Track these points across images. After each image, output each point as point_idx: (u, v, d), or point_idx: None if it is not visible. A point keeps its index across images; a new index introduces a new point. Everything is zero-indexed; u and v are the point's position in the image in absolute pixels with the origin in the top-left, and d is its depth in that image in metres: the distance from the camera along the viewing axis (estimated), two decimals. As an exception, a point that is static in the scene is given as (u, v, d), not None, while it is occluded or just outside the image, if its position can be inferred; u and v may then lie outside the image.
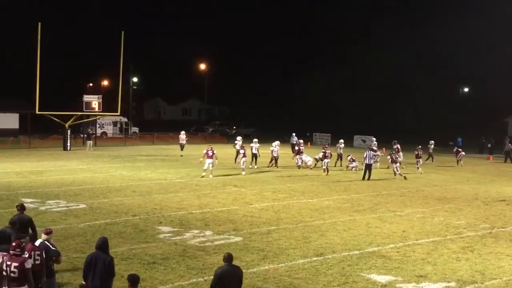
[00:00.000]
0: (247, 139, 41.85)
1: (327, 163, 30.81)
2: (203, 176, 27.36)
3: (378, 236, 16.26)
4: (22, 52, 68.04)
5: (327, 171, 30.40)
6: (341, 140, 36.07)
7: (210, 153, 27.63)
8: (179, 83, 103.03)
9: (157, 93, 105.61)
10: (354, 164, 32.62)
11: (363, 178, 28.35)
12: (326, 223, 17.86)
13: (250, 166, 31.76)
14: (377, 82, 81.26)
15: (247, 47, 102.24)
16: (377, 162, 32.33)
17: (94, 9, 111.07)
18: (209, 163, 27.52)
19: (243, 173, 29.32)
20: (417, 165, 33.19)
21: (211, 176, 27.59)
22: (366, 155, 28.95)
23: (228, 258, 9.16)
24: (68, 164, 32.57)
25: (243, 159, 29.90)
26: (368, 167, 28.71)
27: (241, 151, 30.67)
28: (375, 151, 31.38)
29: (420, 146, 34.43)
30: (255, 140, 33.29)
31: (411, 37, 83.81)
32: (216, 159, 28.33)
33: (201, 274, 12.33)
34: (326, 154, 31.04)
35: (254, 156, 32.43)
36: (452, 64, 77.71)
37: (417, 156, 33.46)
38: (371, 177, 28.54)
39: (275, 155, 32.97)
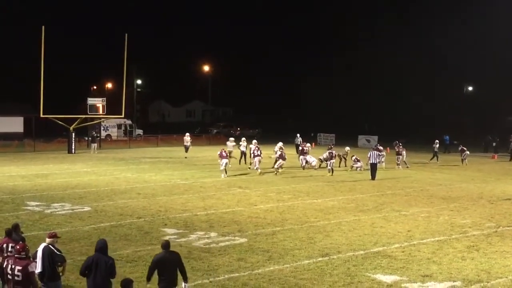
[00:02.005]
0: (252, 140, 41.83)
1: (332, 163, 30.83)
2: (226, 176, 28.22)
3: (383, 236, 16.24)
4: (26, 56, 68.20)
5: (332, 172, 30.39)
6: (347, 148, 35.87)
7: (224, 154, 28.59)
8: (183, 85, 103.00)
9: (161, 96, 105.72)
10: (358, 164, 32.61)
11: (372, 178, 28.41)
12: (331, 223, 17.85)
13: (249, 167, 31.84)
14: (380, 82, 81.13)
15: (250, 48, 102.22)
16: (382, 162, 32.39)
17: (97, 12, 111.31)
18: (225, 163, 28.40)
19: (259, 171, 29.83)
20: (397, 161, 34.38)
21: (226, 175, 28.29)
22: (370, 155, 29.02)
23: (165, 245, 9.84)
24: (73, 167, 32.65)
25: (256, 159, 30.16)
26: (373, 166, 28.74)
27: (252, 151, 31.12)
28: (380, 150, 31.49)
29: (400, 144, 35.06)
30: (255, 141, 33.21)
31: (413, 37, 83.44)
32: (231, 157, 28.92)
33: (207, 276, 12.33)
34: (332, 155, 31.09)
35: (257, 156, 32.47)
36: (456, 63, 77.47)
37: (398, 153, 34.45)
38: (376, 177, 28.53)
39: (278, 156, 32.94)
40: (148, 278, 9.76)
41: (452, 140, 48.04)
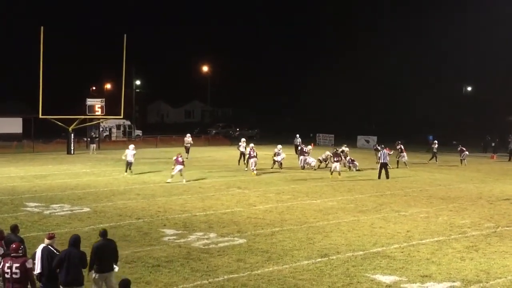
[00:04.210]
0: (251, 140, 41.90)
1: (338, 165, 30.95)
2: (168, 182, 26.45)
3: (382, 236, 16.24)
4: (26, 56, 68.15)
5: (333, 172, 30.39)
6: (346, 148, 35.91)
7: (180, 159, 26.74)
8: (182, 86, 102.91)
9: (160, 96, 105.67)
10: (354, 163, 32.80)
11: (387, 177, 28.88)
12: (330, 224, 17.86)
13: (246, 169, 31.77)
14: (380, 82, 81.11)
15: (249, 48, 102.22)
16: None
17: (96, 12, 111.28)
18: (179, 169, 26.58)
19: (255, 172, 29.69)
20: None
21: (184, 181, 26.51)
22: (381, 154, 29.72)
23: (103, 233, 10.63)
24: (72, 168, 32.63)
25: (252, 160, 30.11)
26: (383, 166, 29.29)
27: (247, 152, 31.04)
28: (389, 151, 31.93)
29: (383, 145, 35.13)
30: (252, 145, 33.08)
31: (413, 37, 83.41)
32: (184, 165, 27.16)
33: (206, 277, 12.33)
34: (339, 156, 31.29)
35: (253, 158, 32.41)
36: (455, 63, 77.56)
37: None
38: (388, 176, 29.04)
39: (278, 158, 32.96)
40: (91, 266, 10.33)
41: (451, 140, 48.03)
